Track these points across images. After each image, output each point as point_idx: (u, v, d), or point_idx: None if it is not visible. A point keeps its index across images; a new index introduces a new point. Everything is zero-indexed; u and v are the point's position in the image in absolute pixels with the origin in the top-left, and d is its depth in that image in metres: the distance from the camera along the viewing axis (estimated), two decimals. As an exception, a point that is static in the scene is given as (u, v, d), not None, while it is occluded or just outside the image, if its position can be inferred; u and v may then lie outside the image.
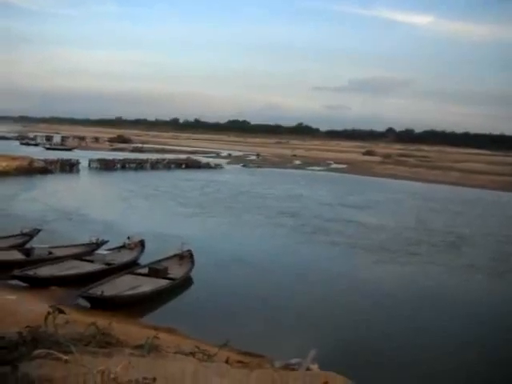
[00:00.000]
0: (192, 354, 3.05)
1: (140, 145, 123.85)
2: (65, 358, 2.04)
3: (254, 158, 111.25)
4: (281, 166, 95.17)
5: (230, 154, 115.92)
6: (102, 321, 14.10)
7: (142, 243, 25.89)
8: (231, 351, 12.77)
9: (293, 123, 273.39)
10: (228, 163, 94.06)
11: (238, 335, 15.96)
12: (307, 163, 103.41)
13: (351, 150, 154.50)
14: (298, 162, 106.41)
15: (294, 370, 11.26)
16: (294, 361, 11.25)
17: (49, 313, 2.38)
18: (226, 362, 3.34)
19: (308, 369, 10.86)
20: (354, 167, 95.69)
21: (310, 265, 26.69)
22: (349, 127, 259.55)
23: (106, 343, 2.48)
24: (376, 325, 18.55)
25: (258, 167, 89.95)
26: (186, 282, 22.22)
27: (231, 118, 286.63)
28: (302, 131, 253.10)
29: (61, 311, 2.43)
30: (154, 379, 2.13)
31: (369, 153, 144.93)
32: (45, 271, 21.20)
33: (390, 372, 14.72)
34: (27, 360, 1.99)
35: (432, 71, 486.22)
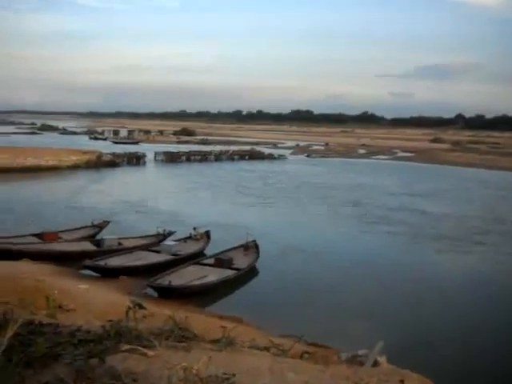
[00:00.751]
0: (267, 348, 2.95)
1: (205, 137, 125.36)
2: (149, 353, 1.98)
3: (318, 147, 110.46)
4: (345, 155, 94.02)
5: (293, 145, 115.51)
6: (169, 310, 14.35)
7: (207, 234, 26.15)
8: (297, 342, 12.68)
9: (357, 112, 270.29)
10: (292, 154, 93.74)
11: (303, 325, 15.85)
12: (372, 152, 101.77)
13: (418, 138, 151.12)
14: (362, 151, 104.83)
15: (361, 362, 11.04)
16: (360, 352, 11.00)
17: (129, 308, 2.34)
18: (301, 357, 3.21)
19: (376, 361, 10.59)
20: (421, 155, 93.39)
21: (373, 254, 26.16)
22: (415, 114, 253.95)
23: (183, 337, 2.41)
24: (441, 317, 17.96)
25: (323, 157, 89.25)
26: (251, 272, 22.26)
27: (294, 108, 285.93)
28: (367, 120, 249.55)
29: (141, 306, 2.39)
30: (234, 375, 2.03)
31: (437, 140, 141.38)
32: (114, 261, 21.75)
33: (465, 371, 14.15)
34: (112, 353, 1.95)
35: (502, 54, 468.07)
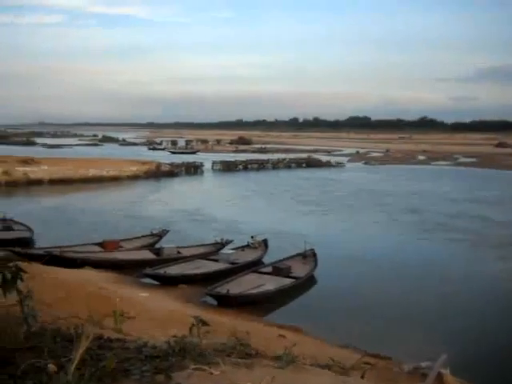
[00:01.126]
0: (328, 366, 2.91)
1: (263, 146, 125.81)
2: (214, 372, 2.00)
3: (376, 154, 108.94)
4: (404, 162, 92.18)
5: (351, 152, 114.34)
6: (230, 320, 14.43)
7: (265, 242, 26.20)
8: (356, 351, 12.51)
9: (415, 117, 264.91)
10: (349, 161, 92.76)
11: (362, 335, 15.66)
12: (432, 158, 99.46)
13: (481, 143, 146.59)
14: (422, 158, 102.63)
15: (423, 374, 10.76)
16: (423, 364, 10.73)
17: (193, 324, 2.37)
18: (362, 377, 3.15)
19: (439, 374, 10.30)
20: (484, 161, 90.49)
21: (432, 262, 25.46)
22: (476, 119, 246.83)
23: (246, 354, 2.42)
24: (507, 329, 17.28)
25: (381, 164, 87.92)
26: (309, 281, 22.12)
27: (351, 115, 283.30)
28: (426, 125, 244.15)
29: (204, 323, 2.41)
30: None
31: (501, 145, 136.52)
32: (174, 270, 22.07)
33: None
34: (177, 370, 1.98)
35: None
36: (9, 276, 2.09)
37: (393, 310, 18.54)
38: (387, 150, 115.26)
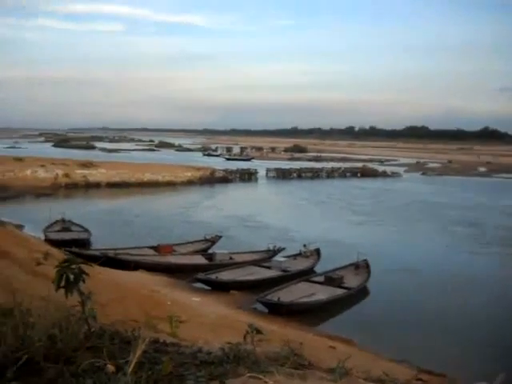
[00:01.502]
0: (382, 381, 2.87)
1: (318, 154, 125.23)
2: (269, 381, 2.00)
3: (434, 165, 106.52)
4: (464, 173, 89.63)
5: (408, 162, 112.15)
6: (280, 328, 14.40)
7: (317, 251, 26.05)
8: (410, 368, 12.26)
9: (476, 127, 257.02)
10: (406, 171, 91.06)
11: (415, 350, 15.30)
12: (494, 170, 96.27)
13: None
14: (483, 169, 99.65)
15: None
16: (480, 384, 10.42)
17: (247, 332, 2.38)
18: None
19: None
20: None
21: (488, 277, 24.73)
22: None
23: (299, 365, 2.41)
24: None
25: (439, 175, 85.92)
26: (361, 292, 21.84)
27: (409, 124, 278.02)
28: (488, 136, 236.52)
29: (258, 331, 2.42)
30: None
31: None
32: (225, 276, 22.21)
33: None
34: (231, 377, 2.00)
35: None
36: (71, 277, 2.17)
37: (447, 324, 18.09)
38: (449, 161, 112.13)
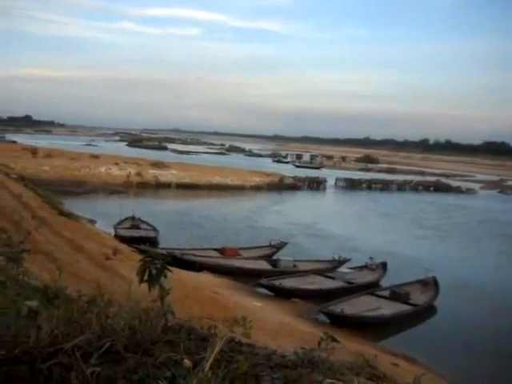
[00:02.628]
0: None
1: (391, 165, 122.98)
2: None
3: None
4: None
5: (484, 179, 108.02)
6: (343, 341, 14.23)
7: (383, 265, 25.54)
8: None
9: None
10: (482, 188, 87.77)
11: (483, 375, 14.74)
12: None
13: None
14: None
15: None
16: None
17: (322, 339, 2.38)
18: None
19: None
20: None
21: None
22: None
23: (374, 376, 2.37)
24: None
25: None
26: (428, 310, 21.25)
27: (487, 140, 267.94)
28: None
29: (334, 339, 2.41)
30: None
31: None
32: (289, 283, 22.17)
33: None
34: (306, 382, 2.00)
35: None
36: (154, 272, 2.24)
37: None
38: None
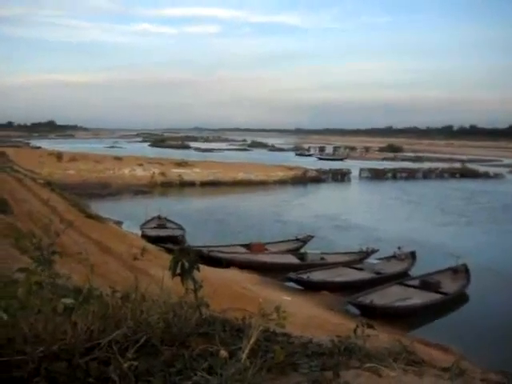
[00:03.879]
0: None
1: (415, 154, 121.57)
2: (390, 372, 1.98)
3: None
4: None
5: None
6: (389, 336, 14.07)
7: (412, 254, 25.30)
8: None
9: None
10: (510, 172, 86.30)
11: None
12: None
13: None
14: None
15: None
16: None
17: (357, 326, 2.37)
18: None
19: None
20: None
21: None
22: None
23: (412, 361, 2.36)
24: None
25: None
26: (459, 298, 21.01)
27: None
28: None
29: (370, 326, 2.40)
30: None
31: None
32: (317, 276, 22.12)
33: None
34: (344, 369, 2.00)
35: None
36: (187, 265, 2.25)
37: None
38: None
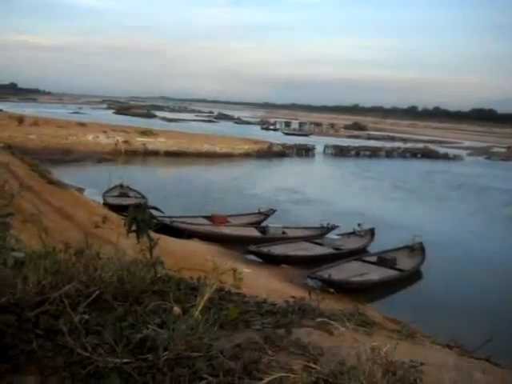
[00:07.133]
0: (449, 346, 2.85)
1: (375, 132, 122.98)
2: (340, 328, 2.02)
3: (499, 150, 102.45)
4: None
5: (472, 145, 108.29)
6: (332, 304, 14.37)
7: (372, 231, 25.74)
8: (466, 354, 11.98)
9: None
10: (469, 154, 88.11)
11: (470, 338, 14.92)
12: None
13: None
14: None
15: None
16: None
17: (312, 288, 2.42)
18: (487, 360, 3.04)
19: None
20: None
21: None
22: None
23: (364, 323, 2.42)
24: None
25: (504, 160, 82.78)
26: (415, 275, 21.53)
27: (475, 107, 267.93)
28: None
29: (324, 290, 2.46)
30: (422, 363, 2.00)
31: None
32: (278, 250, 22.30)
33: None
34: (296, 327, 2.03)
35: None
36: (142, 223, 2.23)
37: (504, 310, 17.58)
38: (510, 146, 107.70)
